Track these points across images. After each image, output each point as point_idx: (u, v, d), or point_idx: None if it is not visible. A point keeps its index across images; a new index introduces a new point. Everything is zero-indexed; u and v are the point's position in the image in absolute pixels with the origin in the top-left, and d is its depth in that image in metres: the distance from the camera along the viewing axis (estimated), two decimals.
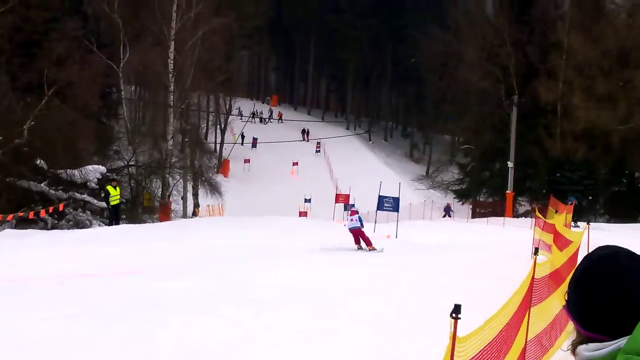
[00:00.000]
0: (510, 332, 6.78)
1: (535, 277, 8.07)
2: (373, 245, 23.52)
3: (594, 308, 2.37)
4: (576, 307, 2.43)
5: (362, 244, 23.70)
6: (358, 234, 23.84)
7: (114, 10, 57.78)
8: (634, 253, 2.42)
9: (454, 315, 4.98)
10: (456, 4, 79.78)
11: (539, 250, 10.02)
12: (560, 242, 13.82)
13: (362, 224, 23.86)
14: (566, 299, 2.49)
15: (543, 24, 62.56)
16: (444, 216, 59.37)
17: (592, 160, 59.72)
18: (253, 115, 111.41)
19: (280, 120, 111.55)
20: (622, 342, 2.29)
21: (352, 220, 24.16)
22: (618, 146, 57.51)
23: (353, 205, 25.09)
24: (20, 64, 45.34)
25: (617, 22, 61.60)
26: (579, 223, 33.94)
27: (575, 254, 11.66)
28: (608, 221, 53.91)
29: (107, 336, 10.26)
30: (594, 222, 32.02)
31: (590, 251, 2.51)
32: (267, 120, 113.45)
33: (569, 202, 43.66)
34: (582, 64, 59.29)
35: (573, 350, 2.46)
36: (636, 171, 61.28)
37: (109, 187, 33.09)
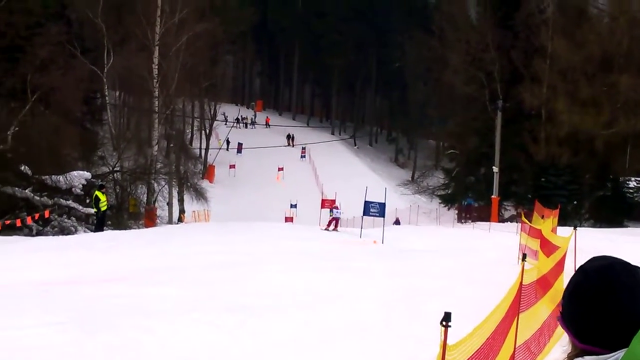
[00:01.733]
0: (498, 339, 6.76)
1: (522, 283, 8.05)
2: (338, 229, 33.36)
3: (590, 321, 2.34)
4: (572, 319, 2.41)
5: (331, 227, 33.23)
6: (336, 221, 33.53)
7: (97, 15, 57.62)
8: (629, 264, 2.40)
9: (444, 323, 4.94)
10: (440, 9, 79.78)
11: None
12: (547, 248, 13.81)
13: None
14: (561, 310, 2.47)
15: (527, 28, 62.60)
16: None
17: (576, 165, 59.84)
18: (238, 120, 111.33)
19: (267, 125, 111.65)
20: (619, 354, 2.26)
21: (338, 212, 34.76)
22: (602, 151, 57.66)
23: (337, 208, 32.73)
24: (3, 69, 45.06)
25: (600, 27, 61.82)
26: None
27: (562, 259, 11.67)
28: (593, 226, 54.07)
29: (92, 344, 10.19)
30: (580, 226, 32.02)
31: (584, 262, 2.49)
32: (252, 123, 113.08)
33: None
34: (566, 69, 59.47)
35: None
36: (620, 176, 61.43)
37: (99, 193, 32.89)
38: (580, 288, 2.40)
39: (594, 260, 2.45)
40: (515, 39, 62.38)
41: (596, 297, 2.34)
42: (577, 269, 2.48)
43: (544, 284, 9.63)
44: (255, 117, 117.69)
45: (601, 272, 2.37)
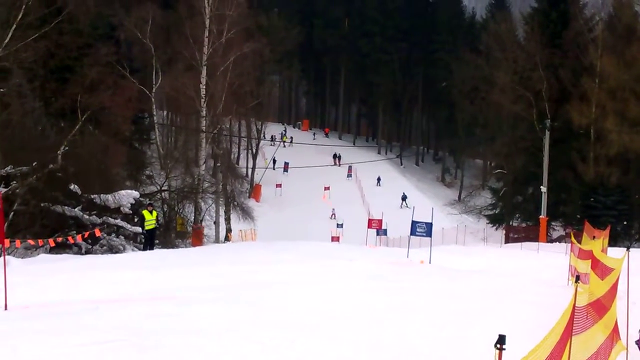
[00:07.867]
0: None
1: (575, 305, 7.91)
2: None
3: None
4: None
5: None
6: None
7: (146, 36, 58.34)
8: None
9: (498, 345, 4.87)
10: (487, 28, 79.58)
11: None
12: (600, 269, 13.57)
13: None
14: None
15: (575, 47, 62.23)
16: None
17: (626, 185, 59.20)
18: (283, 139, 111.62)
19: (326, 135, 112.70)
20: None
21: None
22: None
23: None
24: (53, 89, 45.72)
25: None
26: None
27: (616, 282, 11.44)
28: None
29: None
30: (632, 247, 31.57)
31: None
32: (283, 141, 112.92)
33: None
34: (615, 88, 58.89)
35: None
36: None
37: (145, 212, 33.11)
38: None
39: None
40: (564, 57, 62.00)
41: None
42: None
43: (599, 307, 9.43)
44: (285, 133, 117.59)
45: None
